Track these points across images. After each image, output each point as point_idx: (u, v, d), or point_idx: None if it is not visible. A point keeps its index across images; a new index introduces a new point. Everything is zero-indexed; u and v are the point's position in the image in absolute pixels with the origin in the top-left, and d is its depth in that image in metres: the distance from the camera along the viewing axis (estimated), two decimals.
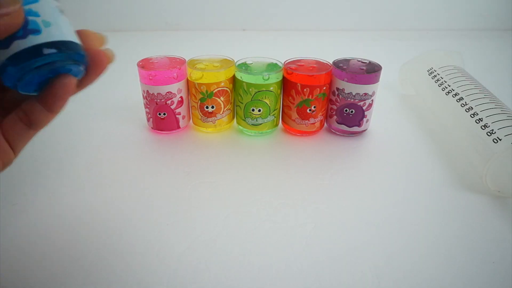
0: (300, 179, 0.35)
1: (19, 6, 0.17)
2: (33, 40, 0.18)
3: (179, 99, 0.41)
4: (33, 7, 0.18)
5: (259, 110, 0.40)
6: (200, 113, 0.42)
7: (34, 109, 0.21)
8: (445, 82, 0.44)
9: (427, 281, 0.25)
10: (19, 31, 0.17)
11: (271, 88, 0.39)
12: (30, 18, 0.18)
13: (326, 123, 0.44)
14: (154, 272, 0.25)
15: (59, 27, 0.19)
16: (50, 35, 0.18)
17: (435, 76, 0.47)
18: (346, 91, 0.39)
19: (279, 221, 0.30)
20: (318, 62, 0.42)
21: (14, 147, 0.21)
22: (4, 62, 0.18)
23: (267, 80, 0.39)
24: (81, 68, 0.20)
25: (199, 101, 0.41)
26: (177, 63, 0.41)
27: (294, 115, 0.41)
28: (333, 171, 0.37)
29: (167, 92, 0.39)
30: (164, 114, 0.41)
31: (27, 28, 0.18)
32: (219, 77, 0.39)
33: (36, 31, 0.18)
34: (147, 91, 0.40)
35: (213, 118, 0.42)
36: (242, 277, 0.25)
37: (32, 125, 0.21)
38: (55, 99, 0.20)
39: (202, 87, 0.40)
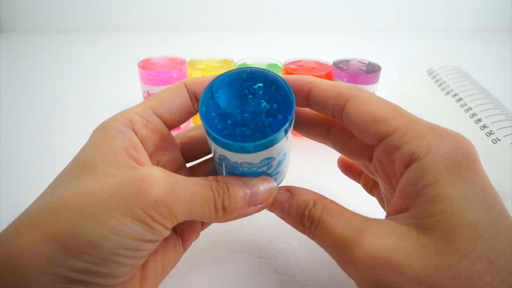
0: (300, 178, 0.35)
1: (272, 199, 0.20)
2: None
3: None
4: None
5: None
6: None
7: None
8: (445, 82, 0.44)
9: None
10: None
11: None
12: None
13: None
14: None
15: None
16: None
17: (434, 76, 0.47)
18: None
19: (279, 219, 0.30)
20: (318, 63, 0.42)
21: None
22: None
23: None
24: None
25: None
26: (177, 63, 0.41)
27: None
28: (333, 171, 0.37)
29: None
30: None
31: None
32: None
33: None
34: (148, 91, 0.40)
35: None
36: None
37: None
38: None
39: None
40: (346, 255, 0.16)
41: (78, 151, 0.19)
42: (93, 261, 0.15)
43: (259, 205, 0.20)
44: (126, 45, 0.82)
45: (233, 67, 0.41)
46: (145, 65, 0.40)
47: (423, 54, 0.51)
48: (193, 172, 0.24)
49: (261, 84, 0.19)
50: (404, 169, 0.17)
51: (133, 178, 0.16)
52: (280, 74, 0.40)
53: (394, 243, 0.15)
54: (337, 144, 0.22)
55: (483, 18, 0.94)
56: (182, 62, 0.41)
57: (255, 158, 0.18)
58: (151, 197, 0.15)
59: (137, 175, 0.16)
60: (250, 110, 0.19)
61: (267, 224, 0.29)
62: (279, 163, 0.20)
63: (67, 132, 0.44)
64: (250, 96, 0.19)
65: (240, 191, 0.19)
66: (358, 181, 0.28)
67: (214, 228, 0.28)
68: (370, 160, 0.21)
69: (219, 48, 0.81)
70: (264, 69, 0.19)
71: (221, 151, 0.18)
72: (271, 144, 0.17)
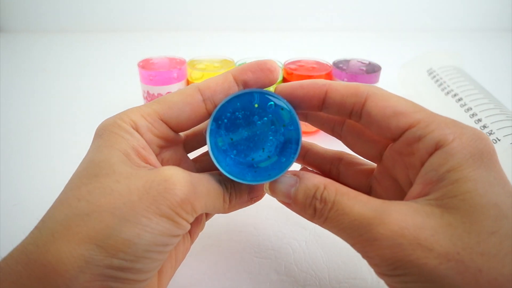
0: None
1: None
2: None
3: None
4: None
5: None
6: None
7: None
8: (445, 82, 0.44)
9: None
10: None
11: (271, 89, 0.39)
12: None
13: None
14: None
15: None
16: None
17: (434, 76, 0.47)
18: None
19: (279, 219, 0.30)
20: (318, 63, 0.42)
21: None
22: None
23: None
24: None
25: None
26: (177, 63, 0.41)
27: None
28: None
29: (167, 93, 0.40)
30: None
31: None
32: None
33: None
34: (148, 91, 0.40)
35: None
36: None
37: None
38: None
39: None
40: (370, 233, 0.16)
41: (78, 150, 0.20)
42: (129, 258, 0.16)
43: (255, 198, 0.22)
44: (126, 45, 0.82)
45: (233, 67, 0.41)
46: (145, 65, 0.40)
47: (423, 54, 0.51)
48: (196, 162, 0.25)
49: (271, 116, 0.20)
50: (427, 157, 0.17)
51: (158, 179, 0.17)
52: (280, 74, 0.40)
53: (420, 221, 0.15)
54: (350, 140, 0.23)
55: (483, 18, 0.95)
56: (182, 62, 0.41)
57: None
58: (177, 196, 0.17)
59: (161, 176, 0.17)
60: (256, 139, 0.20)
61: (267, 224, 0.29)
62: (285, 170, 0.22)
63: (67, 132, 0.44)
64: (259, 123, 0.20)
65: (243, 186, 0.21)
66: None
67: (214, 228, 0.28)
68: (379, 159, 0.21)
69: (219, 48, 0.81)
70: (275, 99, 0.20)
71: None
72: (273, 178, 0.20)
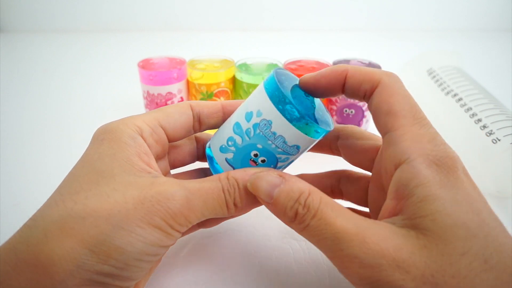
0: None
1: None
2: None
3: (179, 99, 0.41)
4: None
5: None
6: None
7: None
8: (445, 82, 0.44)
9: None
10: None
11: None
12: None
13: None
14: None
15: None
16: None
17: (434, 76, 0.47)
18: None
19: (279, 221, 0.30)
20: (318, 63, 0.42)
21: None
22: None
23: None
24: None
25: None
26: (177, 63, 0.41)
27: None
28: None
29: (167, 93, 0.40)
30: None
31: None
32: (219, 78, 0.39)
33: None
34: (148, 91, 0.40)
35: None
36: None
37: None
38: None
39: (202, 88, 0.40)
40: (352, 249, 0.16)
41: (78, 150, 0.20)
42: (119, 266, 0.16)
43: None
44: (126, 45, 0.82)
45: (233, 67, 0.41)
46: (145, 65, 0.40)
47: (423, 54, 0.51)
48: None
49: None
50: (394, 169, 0.17)
51: (153, 191, 0.17)
52: None
53: (399, 243, 0.16)
54: (345, 152, 0.24)
55: (483, 18, 0.95)
56: (182, 62, 0.41)
57: (298, 139, 0.20)
58: (169, 209, 0.17)
59: (157, 188, 0.18)
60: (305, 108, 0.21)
61: (267, 224, 0.29)
62: (288, 164, 0.22)
63: (67, 132, 0.44)
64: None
65: (252, 187, 0.20)
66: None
67: (214, 228, 0.28)
68: (371, 168, 0.22)
69: (219, 48, 0.81)
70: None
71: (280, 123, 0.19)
72: (317, 136, 0.20)
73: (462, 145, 0.40)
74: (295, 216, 0.18)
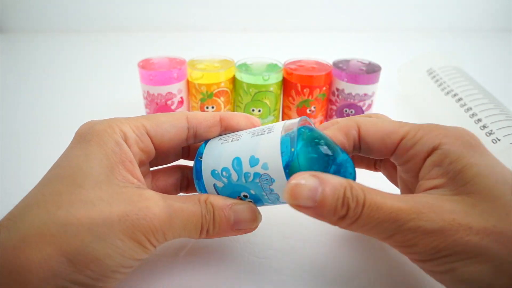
0: None
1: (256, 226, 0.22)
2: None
3: (179, 99, 0.41)
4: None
5: (259, 111, 0.40)
6: None
7: None
8: (445, 82, 0.44)
9: (427, 281, 0.25)
10: None
11: (271, 89, 0.39)
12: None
13: None
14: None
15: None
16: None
17: (434, 76, 0.47)
18: (346, 92, 0.39)
19: (279, 219, 0.30)
20: (318, 63, 0.42)
21: None
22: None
23: (267, 80, 0.39)
24: None
25: (199, 102, 0.41)
26: (177, 63, 0.41)
27: (294, 115, 0.41)
28: None
29: (167, 93, 0.40)
30: None
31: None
32: (219, 78, 0.39)
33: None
34: (148, 91, 0.40)
35: None
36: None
37: None
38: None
39: (202, 88, 0.40)
40: (411, 222, 0.17)
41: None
42: (94, 277, 0.16)
43: (242, 230, 0.22)
44: (126, 45, 0.82)
45: (233, 67, 0.41)
46: (145, 65, 0.40)
47: (423, 54, 0.51)
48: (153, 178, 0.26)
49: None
50: (425, 159, 0.19)
51: (139, 206, 0.18)
52: (280, 74, 0.40)
53: (451, 206, 0.17)
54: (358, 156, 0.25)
55: (483, 18, 0.94)
56: (182, 62, 0.41)
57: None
58: (152, 225, 0.18)
59: (142, 203, 0.18)
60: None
61: (267, 224, 0.29)
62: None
63: (67, 132, 0.44)
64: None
65: (224, 218, 0.20)
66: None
67: None
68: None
69: (219, 48, 0.81)
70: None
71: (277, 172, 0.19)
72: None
73: None
74: (347, 212, 0.17)
